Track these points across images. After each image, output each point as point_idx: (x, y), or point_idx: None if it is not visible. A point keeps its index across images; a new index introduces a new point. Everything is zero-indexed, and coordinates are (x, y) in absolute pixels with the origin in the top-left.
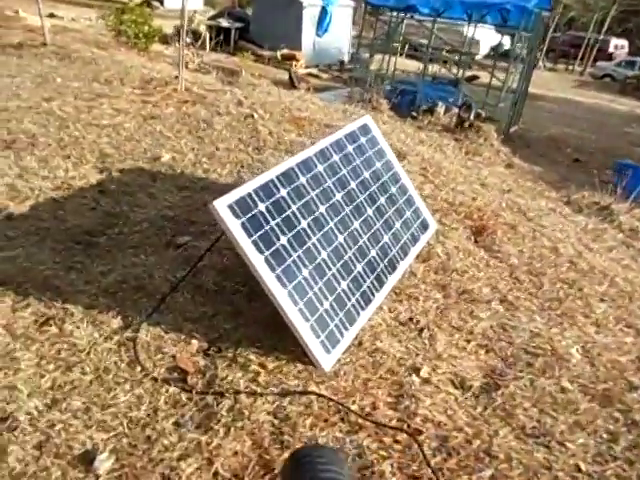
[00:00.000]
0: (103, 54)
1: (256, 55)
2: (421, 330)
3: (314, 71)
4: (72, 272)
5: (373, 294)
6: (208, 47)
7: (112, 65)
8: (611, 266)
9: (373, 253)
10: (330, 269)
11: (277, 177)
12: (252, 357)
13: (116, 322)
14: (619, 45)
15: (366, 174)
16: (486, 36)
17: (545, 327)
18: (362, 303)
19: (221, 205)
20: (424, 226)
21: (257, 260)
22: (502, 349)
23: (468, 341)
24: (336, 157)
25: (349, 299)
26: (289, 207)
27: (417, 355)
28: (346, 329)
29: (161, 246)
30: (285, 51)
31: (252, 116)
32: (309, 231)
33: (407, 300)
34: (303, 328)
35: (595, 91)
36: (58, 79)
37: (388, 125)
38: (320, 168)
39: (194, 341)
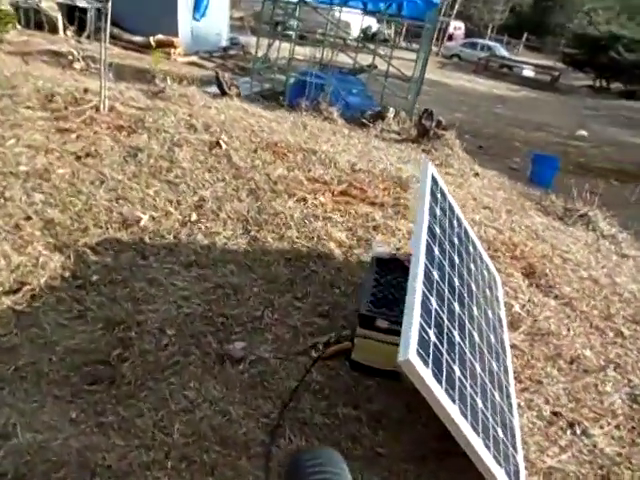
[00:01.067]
0: None
1: (125, 41)
2: (571, 425)
3: (195, 59)
4: (111, 433)
5: (509, 391)
6: (62, 33)
7: None
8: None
9: (492, 339)
10: (486, 384)
11: (424, 283)
12: None
13: None
14: (457, 27)
15: (456, 241)
16: (356, 19)
17: None
18: (510, 409)
19: (413, 356)
20: (495, 282)
21: (455, 413)
22: None
23: (618, 427)
24: (437, 229)
25: (503, 411)
26: (443, 321)
27: (591, 464)
28: (516, 451)
29: (212, 363)
30: (160, 37)
31: (218, 144)
32: (462, 344)
33: (533, 386)
34: (500, 475)
35: (454, 71)
36: None
37: (355, 140)
38: (436, 252)
39: None
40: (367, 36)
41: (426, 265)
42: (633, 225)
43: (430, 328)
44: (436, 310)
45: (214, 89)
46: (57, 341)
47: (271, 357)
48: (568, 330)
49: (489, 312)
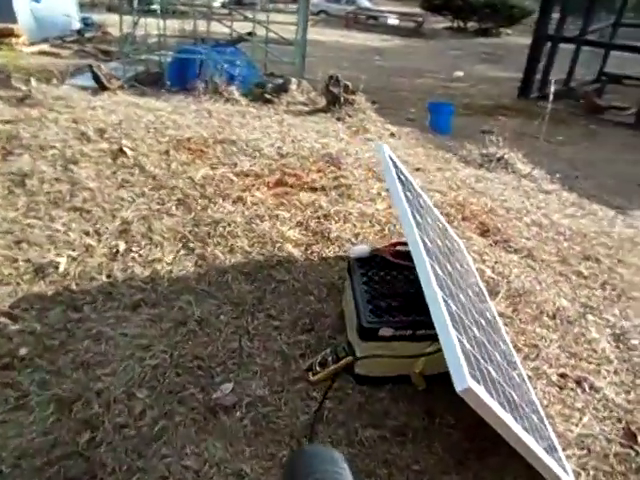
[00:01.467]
0: None
1: None
2: (579, 383)
3: (46, 47)
4: None
5: (518, 365)
6: None
7: None
8: (573, 222)
9: (489, 316)
10: (507, 370)
11: (440, 287)
12: None
13: None
14: None
15: (430, 221)
16: None
17: None
18: (526, 385)
19: (472, 382)
20: (463, 252)
21: (512, 423)
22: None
23: (616, 372)
24: (419, 217)
25: (526, 392)
26: (464, 322)
27: (610, 420)
28: (546, 429)
29: (203, 419)
30: None
31: (122, 152)
32: (482, 338)
33: (532, 352)
34: (554, 466)
35: (326, 28)
36: None
37: (267, 119)
38: (429, 244)
39: None
40: (232, 1)
41: (432, 266)
42: (541, 160)
43: (462, 336)
44: (456, 312)
45: (87, 81)
46: (2, 445)
47: (267, 393)
48: (539, 283)
49: (475, 287)
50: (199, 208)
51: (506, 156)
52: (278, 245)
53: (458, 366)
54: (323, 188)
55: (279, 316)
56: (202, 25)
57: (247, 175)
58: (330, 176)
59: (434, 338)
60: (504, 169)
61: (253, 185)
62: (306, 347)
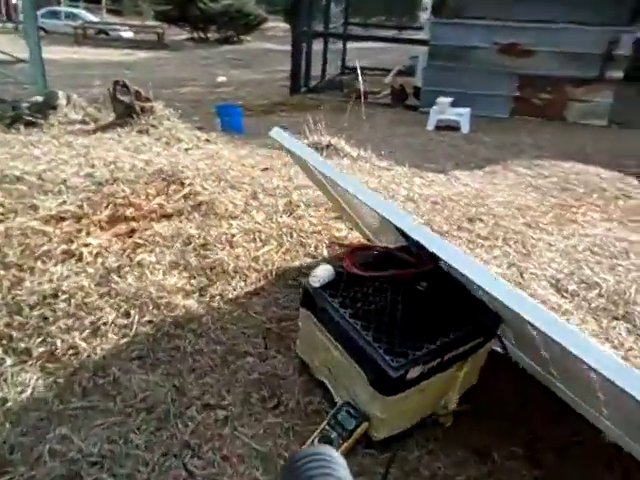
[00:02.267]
0: None
1: None
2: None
3: None
4: None
5: None
6: None
7: None
8: (432, 191)
9: None
10: None
11: None
12: None
13: None
14: None
15: None
16: None
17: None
18: None
19: None
20: None
21: None
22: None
23: (584, 321)
24: None
25: None
26: None
27: None
28: None
29: None
30: None
31: None
32: None
33: None
34: None
35: (52, 45)
36: None
37: (48, 146)
38: None
39: None
40: None
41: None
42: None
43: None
44: None
45: None
46: None
47: None
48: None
49: None
50: (7, 285)
51: (332, 142)
52: (163, 302)
53: None
54: (180, 212)
55: (221, 402)
56: None
57: (62, 219)
58: (178, 196)
59: (462, 356)
60: (337, 155)
61: (79, 230)
62: (284, 432)
